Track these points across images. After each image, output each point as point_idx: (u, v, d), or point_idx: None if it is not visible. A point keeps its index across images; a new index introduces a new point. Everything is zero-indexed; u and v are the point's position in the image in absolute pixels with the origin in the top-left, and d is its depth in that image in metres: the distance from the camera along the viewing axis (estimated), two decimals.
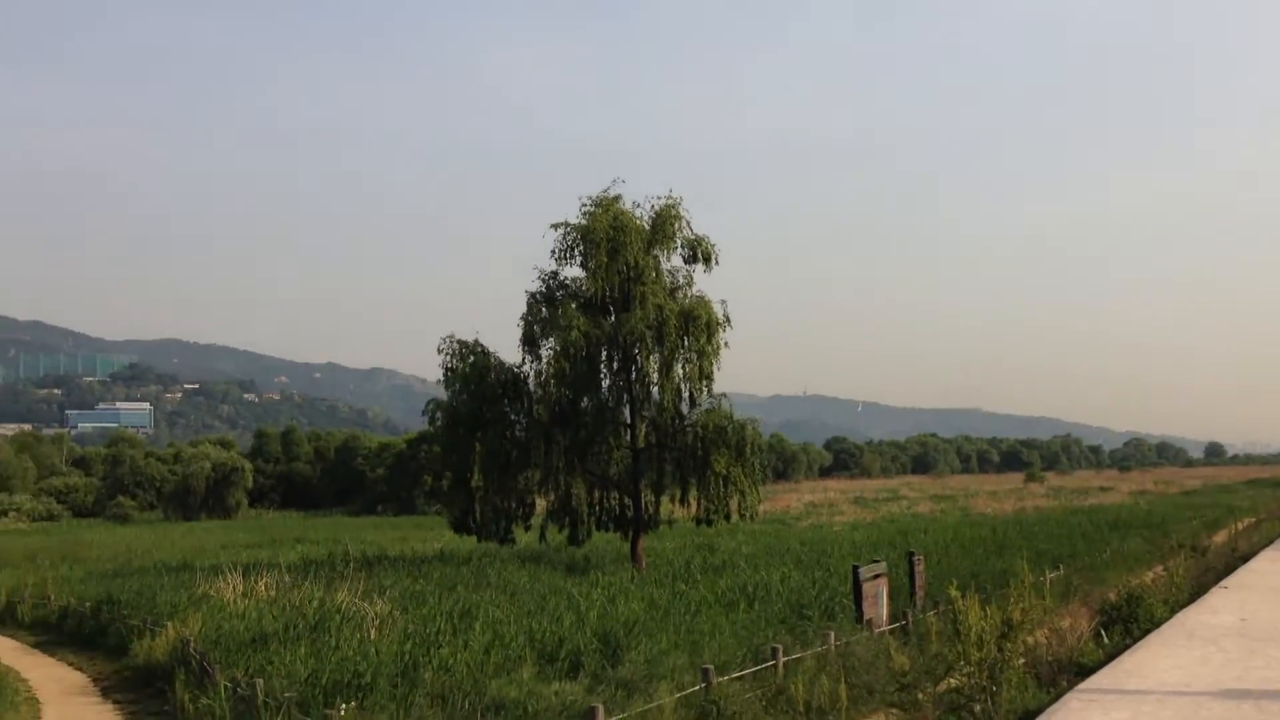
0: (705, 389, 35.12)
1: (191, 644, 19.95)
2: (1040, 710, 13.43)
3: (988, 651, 13.21)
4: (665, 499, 37.87)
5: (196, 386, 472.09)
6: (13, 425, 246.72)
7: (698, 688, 14.47)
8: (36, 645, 28.11)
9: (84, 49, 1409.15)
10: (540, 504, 37.71)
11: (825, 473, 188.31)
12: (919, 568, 23.39)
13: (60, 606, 30.88)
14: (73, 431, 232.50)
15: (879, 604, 20.71)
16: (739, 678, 15.17)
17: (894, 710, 13.92)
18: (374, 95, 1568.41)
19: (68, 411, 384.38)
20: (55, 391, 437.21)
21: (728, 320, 35.56)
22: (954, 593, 14.13)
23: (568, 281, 36.26)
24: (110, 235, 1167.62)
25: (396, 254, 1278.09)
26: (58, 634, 29.26)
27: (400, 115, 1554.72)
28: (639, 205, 35.88)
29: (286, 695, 14.47)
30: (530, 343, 35.50)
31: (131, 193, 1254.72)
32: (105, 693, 21.33)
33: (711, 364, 34.79)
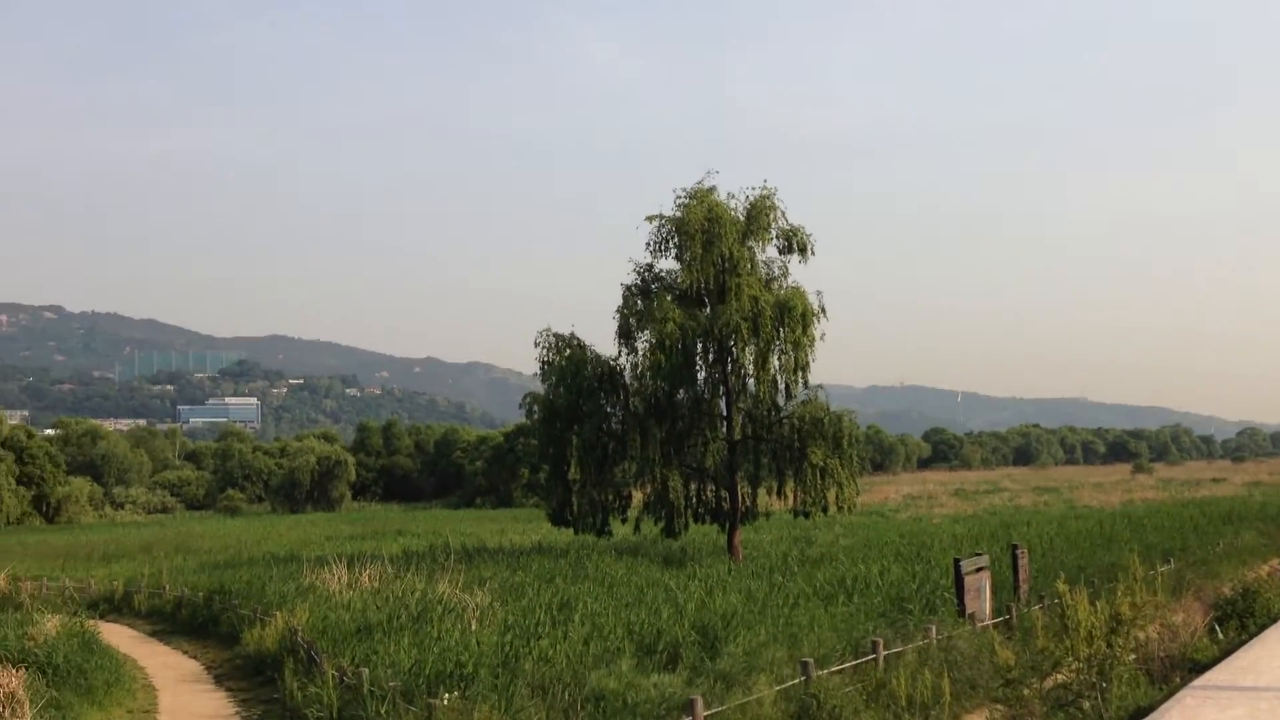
0: (801, 380, 34.95)
1: (299, 634, 20.46)
2: (1153, 707, 13.05)
3: (1097, 647, 12.87)
4: (762, 491, 37.76)
5: (301, 382, 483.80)
6: (128, 420, 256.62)
7: (797, 681, 14.37)
8: (153, 634, 29.14)
9: (191, 51, 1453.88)
10: (637, 496, 37.88)
11: (924, 464, 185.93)
12: (1022, 561, 22.90)
13: (175, 596, 31.91)
14: (184, 426, 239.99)
15: (981, 598, 20.35)
16: (838, 671, 15.03)
17: (999, 706, 13.65)
18: (462, 92, 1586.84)
19: (180, 407, 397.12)
20: (168, 388, 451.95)
21: (823, 311, 35.35)
22: (1061, 587, 13.81)
23: (663, 274, 36.36)
24: (219, 234, 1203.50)
25: (493, 249, 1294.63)
26: (172, 623, 30.28)
27: (488, 111, 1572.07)
28: (733, 196, 35.85)
29: (391, 684, 14.74)
30: (626, 335, 35.67)
31: (239, 194, 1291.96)
32: (218, 680, 22.00)
33: (807, 355, 34.59)
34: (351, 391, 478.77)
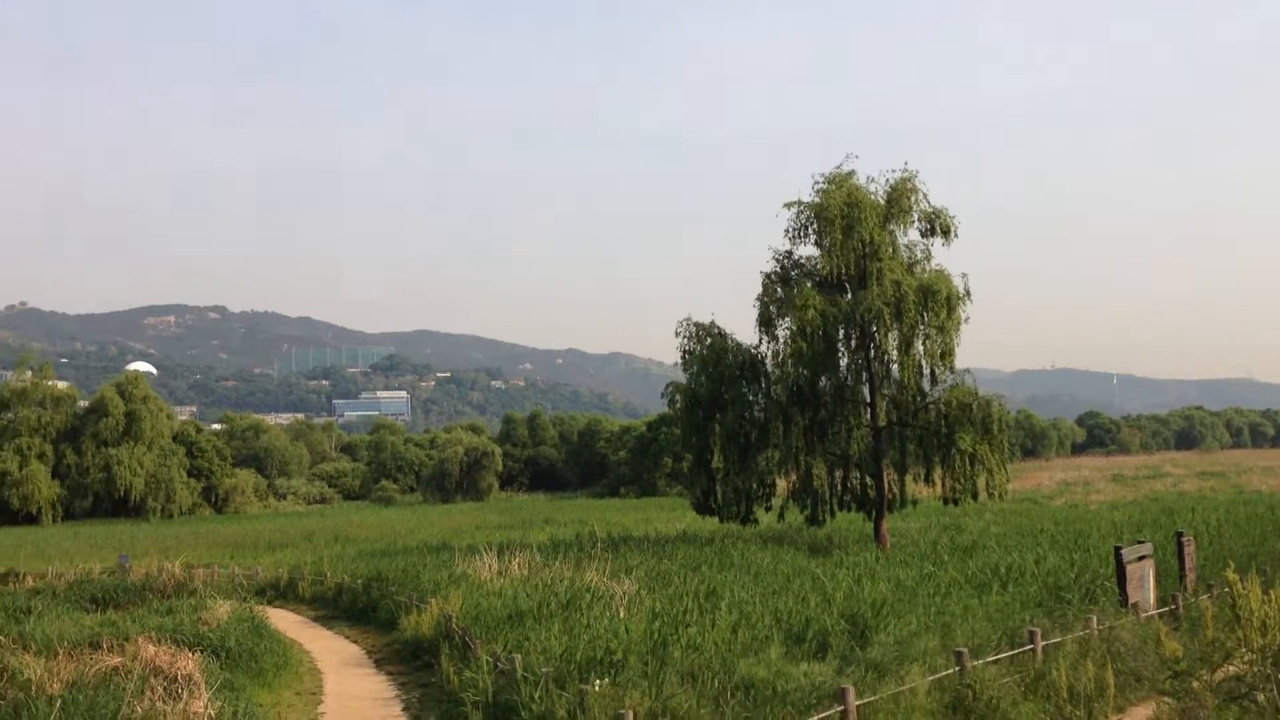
0: (947, 365, 34.24)
1: (453, 620, 21.03)
2: None
3: (1272, 638, 12.28)
4: (909, 478, 37.12)
5: (448, 375, 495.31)
6: (287, 415, 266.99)
7: (951, 671, 14.11)
8: (316, 619, 30.33)
9: (326, 53, 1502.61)
10: (781, 485, 37.65)
11: (1078, 450, 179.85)
12: (1188, 549, 21.97)
13: (335, 583, 33.14)
14: (339, 420, 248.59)
15: (1145, 587, 19.62)
16: (994, 661, 14.71)
17: (1166, 699, 13.13)
18: (591, 86, 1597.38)
19: (334, 401, 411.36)
20: (323, 383, 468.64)
21: (968, 294, 34.56)
22: (1231, 575, 13.21)
23: (802, 260, 36.02)
24: (368, 233, 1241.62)
25: (633, 239, 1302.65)
26: (334, 608, 31.46)
27: (621, 101, 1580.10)
28: (873, 180, 35.34)
29: (544, 670, 15.03)
30: (766, 323, 35.46)
31: (385, 194, 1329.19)
32: (378, 664, 22.77)
33: (952, 339, 33.86)
34: (496, 384, 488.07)
